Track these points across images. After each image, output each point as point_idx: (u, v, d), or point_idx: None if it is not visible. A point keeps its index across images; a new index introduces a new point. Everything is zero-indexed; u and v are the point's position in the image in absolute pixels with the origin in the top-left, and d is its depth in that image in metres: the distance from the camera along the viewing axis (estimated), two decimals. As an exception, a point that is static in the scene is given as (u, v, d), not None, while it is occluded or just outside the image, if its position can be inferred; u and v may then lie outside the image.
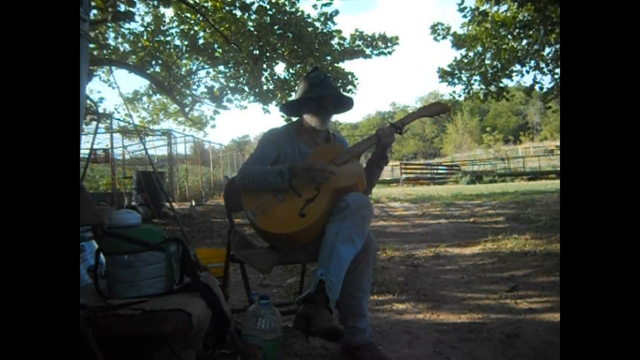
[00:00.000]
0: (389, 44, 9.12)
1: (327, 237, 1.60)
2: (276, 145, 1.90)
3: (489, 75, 8.78)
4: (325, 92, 1.89)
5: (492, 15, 8.07)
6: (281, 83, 9.53)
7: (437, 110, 2.02)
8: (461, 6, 8.37)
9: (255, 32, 8.02)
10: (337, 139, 2.05)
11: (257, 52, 8.43)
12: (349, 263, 1.59)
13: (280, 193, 1.74)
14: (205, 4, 8.06)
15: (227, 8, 8.02)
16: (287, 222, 1.67)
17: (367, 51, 9.08)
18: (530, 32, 7.59)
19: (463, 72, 9.08)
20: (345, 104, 2.03)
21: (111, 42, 8.00)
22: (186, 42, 8.98)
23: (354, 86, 9.29)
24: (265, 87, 10.03)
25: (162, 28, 8.77)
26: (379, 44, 9.05)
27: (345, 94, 2.00)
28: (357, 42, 9.02)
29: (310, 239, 1.69)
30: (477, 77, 8.95)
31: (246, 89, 10.41)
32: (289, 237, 1.69)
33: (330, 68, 8.89)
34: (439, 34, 9.12)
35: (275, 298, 2.62)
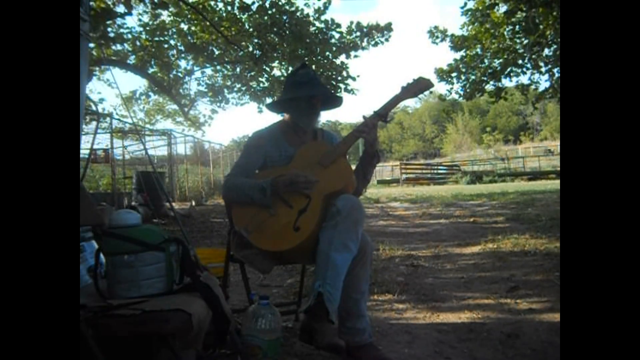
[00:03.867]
0: (385, 32, 9.07)
1: (321, 246, 1.58)
2: (261, 151, 1.85)
3: (488, 74, 8.80)
4: (314, 91, 1.84)
5: (492, 15, 8.08)
6: (278, 82, 9.53)
7: (420, 87, 1.85)
8: (464, 9, 8.39)
9: (255, 32, 8.01)
10: (324, 135, 1.99)
11: (259, 52, 8.42)
12: (345, 270, 1.57)
13: (271, 206, 1.68)
14: (204, 4, 8.07)
15: (226, 8, 8.02)
16: (282, 238, 1.64)
17: (364, 43, 9.04)
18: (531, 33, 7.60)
19: (461, 71, 9.10)
20: (334, 101, 1.98)
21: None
22: (180, 43, 8.99)
23: (354, 79, 9.25)
24: (261, 85, 10.04)
25: (164, 26, 8.76)
26: (373, 34, 9.00)
27: (333, 92, 1.97)
28: (355, 34, 8.99)
29: (310, 249, 1.66)
30: (472, 76, 8.97)
31: (243, 88, 10.43)
32: (286, 252, 1.67)
33: (326, 63, 8.86)
34: (437, 37, 9.13)
35: (275, 298, 2.62)
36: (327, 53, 8.72)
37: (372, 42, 9.10)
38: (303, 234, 1.62)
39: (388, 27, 9.04)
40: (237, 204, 1.75)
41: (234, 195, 1.76)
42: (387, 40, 9.17)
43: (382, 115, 1.81)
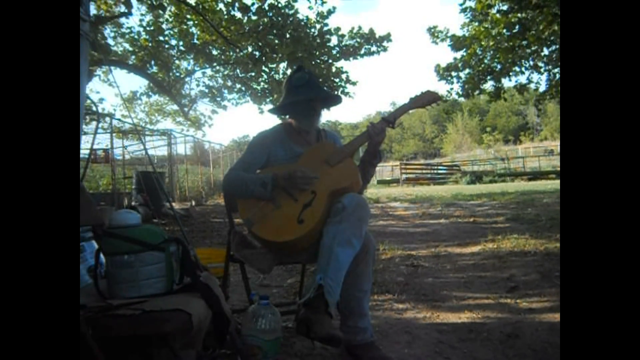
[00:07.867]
0: (383, 43, 9.06)
1: (325, 240, 1.59)
2: (265, 149, 1.88)
3: (487, 73, 8.80)
4: (311, 94, 1.87)
5: (491, 15, 8.08)
6: (276, 83, 9.53)
7: (428, 99, 1.94)
8: (463, 6, 8.40)
9: (254, 34, 8.00)
10: (327, 135, 2.02)
11: (258, 53, 8.41)
12: (347, 265, 1.58)
13: (276, 199, 1.72)
14: (204, 4, 8.06)
15: (227, 9, 8.02)
16: (285, 229, 1.66)
17: (363, 50, 9.03)
18: (532, 32, 7.60)
19: (460, 70, 9.09)
20: (334, 100, 2.02)
21: (110, 41, 7.99)
22: (181, 43, 8.98)
23: (353, 84, 9.23)
24: (260, 86, 10.04)
25: (162, 27, 8.75)
26: (371, 44, 8.99)
27: (330, 92, 1.98)
28: (356, 39, 8.98)
29: (311, 243, 1.67)
30: (471, 74, 8.97)
31: (243, 88, 10.43)
32: (288, 244, 1.67)
33: (323, 68, 8.83)
34: (437, 37, 9.12)
35: (275, 298, 2.62)
36: (325, 58, 8.69)
37: (372, 52, 9.07)
38: (306, 226, 1.64)
39: (387, 37, 9.02)
40: (243, 198, 1.77)
41: (235, 188, 1.78)
42: (384, 50, 9.15)
43: (389, 121, 1.87)
